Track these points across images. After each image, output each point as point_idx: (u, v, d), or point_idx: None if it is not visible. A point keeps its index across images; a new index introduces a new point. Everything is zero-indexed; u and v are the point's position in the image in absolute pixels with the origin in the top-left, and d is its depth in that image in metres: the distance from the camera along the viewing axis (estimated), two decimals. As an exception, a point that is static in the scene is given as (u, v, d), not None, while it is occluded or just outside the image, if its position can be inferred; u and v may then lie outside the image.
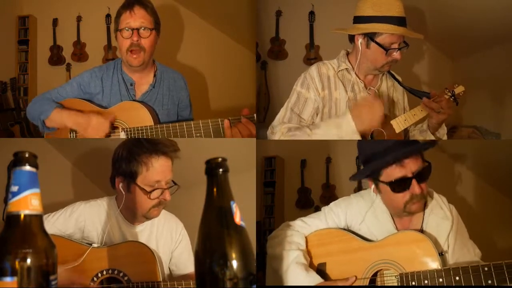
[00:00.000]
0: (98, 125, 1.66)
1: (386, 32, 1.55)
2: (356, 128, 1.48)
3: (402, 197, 1.36)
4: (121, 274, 1.38)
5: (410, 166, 1.34)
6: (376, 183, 1.41)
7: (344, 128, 1.50)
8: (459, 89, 1.58)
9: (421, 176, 1.35)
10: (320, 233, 1.49)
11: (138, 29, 1.68)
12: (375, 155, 1.37)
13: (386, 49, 1.57)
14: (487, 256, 1.42)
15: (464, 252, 1.40)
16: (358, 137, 1.49)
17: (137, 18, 1.69)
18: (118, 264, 1.39)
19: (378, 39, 1.57)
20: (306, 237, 1.49)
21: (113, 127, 1.70)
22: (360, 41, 1.62)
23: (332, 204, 1.56)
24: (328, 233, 1.49)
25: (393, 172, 1.34)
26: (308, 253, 1.46)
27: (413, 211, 1.39)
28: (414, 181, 1.33)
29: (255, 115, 1.59)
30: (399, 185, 1.34)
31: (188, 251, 1.61)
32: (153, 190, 1.45)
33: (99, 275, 1.39)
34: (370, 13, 1.57)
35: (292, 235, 1.48)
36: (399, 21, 1.55)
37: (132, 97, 1.78)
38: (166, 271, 1.55)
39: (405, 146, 1.35)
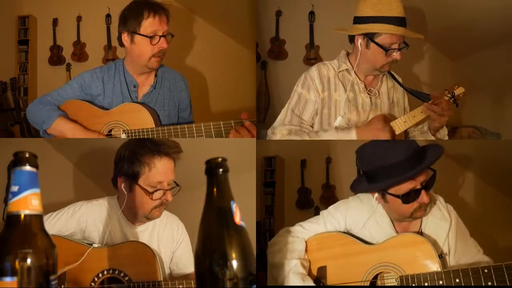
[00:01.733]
0: None
1: (386, 33, 1.55)
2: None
3: (410, 206, 1.35)
4: (122, 274, 1.38)
5: (420, 179, 1.33)
6: (383, 194, 1.39)
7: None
8: (459, 90, 1.57)
9: (428, 184, 1.35)
10: (320, 237, 1.49)
11: (165, 36, 1.68)
12: (383, 171, 1.34)
13: (386, 49, 1.57)
14: (487, 256, 1.42)
15: (466, 249, 1.40)
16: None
17: (164, 25, 1.68)
18: (119, 264, 1.39)
19: (377, 40, 1.57)
20: (306, 242, 1.48)
21: (112, 129, 1.71)
22: (359, 41, 1.61)
23: (330, 208, 1.54)
24: (328, 237, 1.48)
25: (404, 186, 1.33)
26: (308, 257, 1.46)
27: (418, 217, 1.40)
28: (423, 192, 1.33)
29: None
30: (409, 197, 1.33)
31: (189, 251, 1.61)
32: (155, 191, 1.45)
33: (100, 275, 1.39)
34: (370, 13, 1.57)
35: (292, 242, 1.47)
36: (399, 21, 1.55)
37: (134, 99, 1.77)
38: (167, 271, 1.55)
39: (415, 163, 1.31)
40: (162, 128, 1.65)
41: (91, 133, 1.69)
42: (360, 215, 1.48)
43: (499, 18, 2.09)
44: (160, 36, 1.67)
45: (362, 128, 1.58)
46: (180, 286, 1.37)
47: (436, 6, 2.28)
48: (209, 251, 0.93)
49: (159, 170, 1.46)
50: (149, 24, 1.66)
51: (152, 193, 1.45)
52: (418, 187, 1.33)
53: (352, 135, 1.55)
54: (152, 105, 1.78)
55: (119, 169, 1.49)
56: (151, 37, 1.66)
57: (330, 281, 1.42)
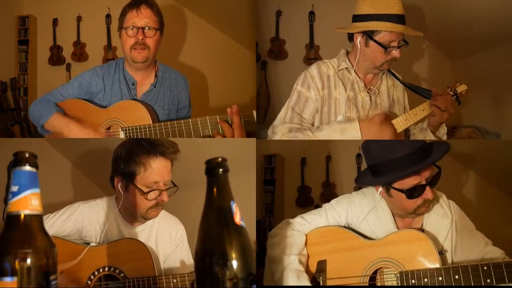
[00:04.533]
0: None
1: (385, 30, 1.55)
2: (361, 138, 1.49)
3: (414, 202, 1.35)
4: (117, 271, 1.39)
5: (425, 174, 1.34)
6: (387, 188, 1.39)
7: (348, 135, 1.51)
8: (461, 88, 1.56)
9: (433, 181, 1.35)
10: (320, 231, 1.49)
11: (143, 28, 1.69)
12: (388, 165, 1.35)
13: (385, 47, 1.56)
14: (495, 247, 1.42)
15: (473, 245, 1.40)
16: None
17: (143, 18, 1.70)
18: (115, 261, 1.40)
19: (377, 37, 1.57)
20: (306, 235, 1.48)
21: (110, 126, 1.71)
22: (359, 39, 1.61)
23: (333, 201, 1.55)
24: (329, 231, 1.48)
25: (409, 181, 1.33)
26: (308, 251, 1.46)
27: (421, 213, 1.40)
28: (428, 188, 1.34)
29: (254, 113, 1.59)
30: (414, 192, 1.34)
31: (185, 256, 1.59)
32: (150, 191, 1.45)
33: (96, 273, 1.40)
34: (369, 11, 1.57)
35: (292, 235, 1.47)
36: (398, 19, 1.54)
37: (133, 96, 1.77)
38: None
39: (421, 158, 1.32)
40: (159, 124, 1.65)
41: (85, 129, 1.69)
42: (361, 209, 1.48)
43: (498, 17, 2.09)
44: (138, 28, 1.68)
45: (366, 121, 1.57)
46: (175, 281, 1.37)
47: (435, 4, 2.28)
48: (209, 251, 0.94)
49: (154, 170, 1.45)
50: (129, 17, 1.71)
51: (147, 193, 1.44)
52: (423, 182, 1.33)
53: (355, 126, 1.54)
54: (152, 104, 1.78)
55: (116, 168, 1.49)
56: (125, 28, 1.70)
57: (330, 275, 1.42)
